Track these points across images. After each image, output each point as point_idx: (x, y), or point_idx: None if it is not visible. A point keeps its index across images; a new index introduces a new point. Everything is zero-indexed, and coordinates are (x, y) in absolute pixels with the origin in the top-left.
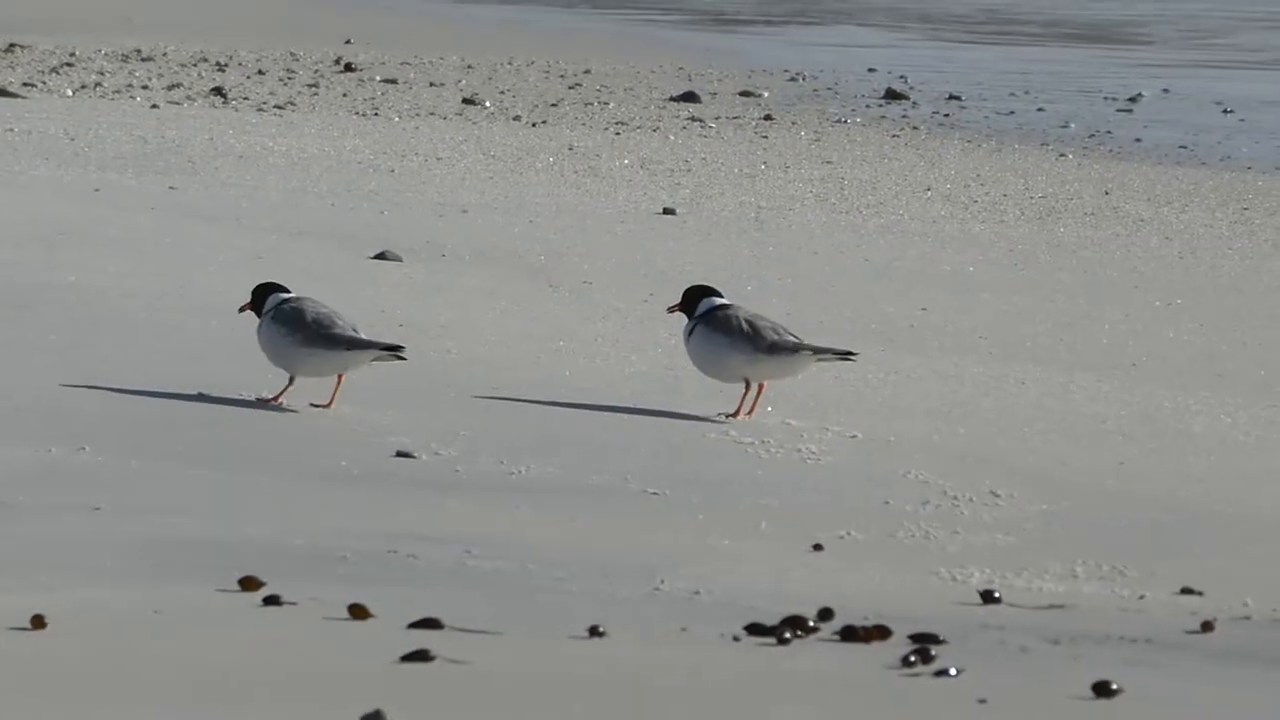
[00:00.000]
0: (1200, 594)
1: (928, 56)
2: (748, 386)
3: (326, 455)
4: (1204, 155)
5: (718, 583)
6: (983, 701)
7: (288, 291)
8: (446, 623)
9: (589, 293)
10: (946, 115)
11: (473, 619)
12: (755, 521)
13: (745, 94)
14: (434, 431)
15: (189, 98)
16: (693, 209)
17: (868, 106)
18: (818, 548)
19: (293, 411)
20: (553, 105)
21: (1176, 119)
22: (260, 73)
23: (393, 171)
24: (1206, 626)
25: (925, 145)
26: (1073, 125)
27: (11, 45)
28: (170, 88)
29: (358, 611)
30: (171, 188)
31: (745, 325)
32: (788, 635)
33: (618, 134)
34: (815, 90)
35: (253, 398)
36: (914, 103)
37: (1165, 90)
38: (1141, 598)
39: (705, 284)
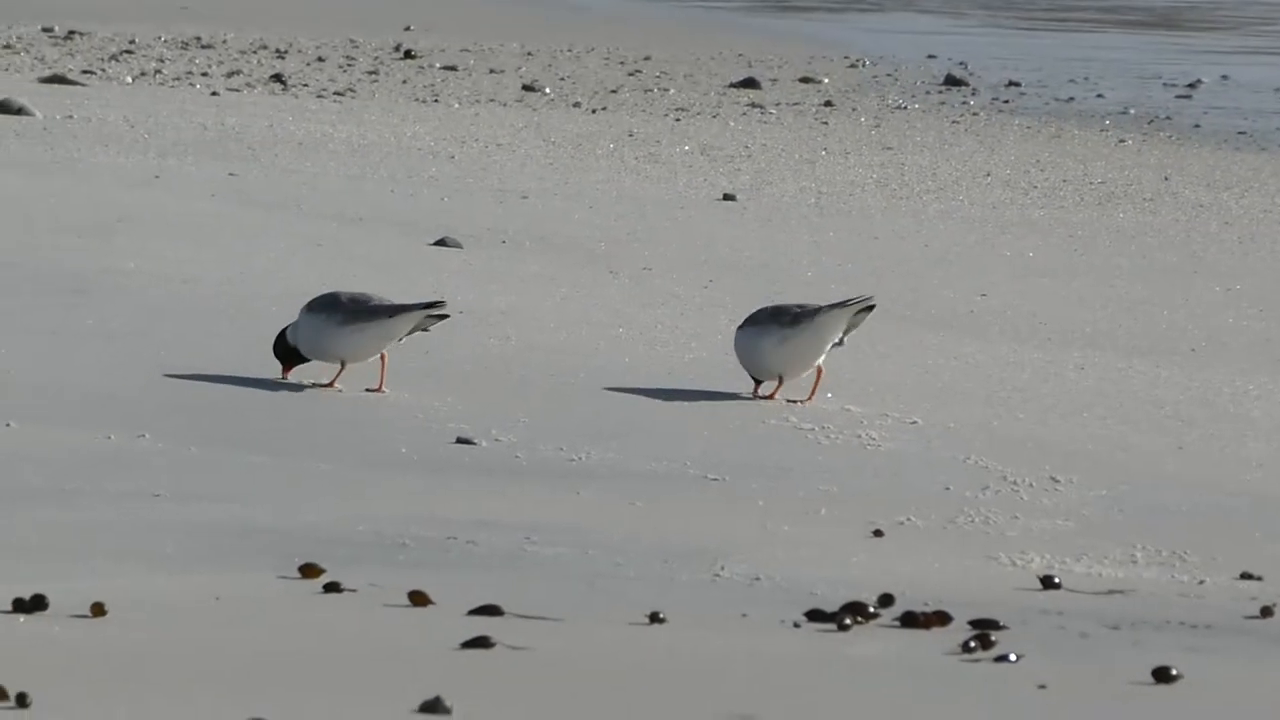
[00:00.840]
0: (1260, 579)
1: (987, 43)
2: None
3: (386, 442)
4: (1263, 141)
5: (778, 569)
6: (1042, 687)
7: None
8: (506, 609)
9: (649, 279)
10: (1006, 101)
11: (533, 605)
12: (815, 507)
13: (805, 80)
14: (494, 418)
15: (249, 85)
16: (753, 195)
17: (928, 93)
18: (878, 533)
19: (351, 398)
20: (612, 92)
21: (1235, 105)
22: (320, 60)
23: (453, 158)
24: (1266, 612)
25: (985, 131)
26: (1132, 111)
27: (71, 33)
28: (230, 75)
29: (418, 598)
30: (231, 174)
31: (770, 310)
32: (848, 621)
33: (678, 120)
34: (875, 76)
35: (309, 384)
36: (973, 89)
37: (1224, 76)
38: (1201, 583)
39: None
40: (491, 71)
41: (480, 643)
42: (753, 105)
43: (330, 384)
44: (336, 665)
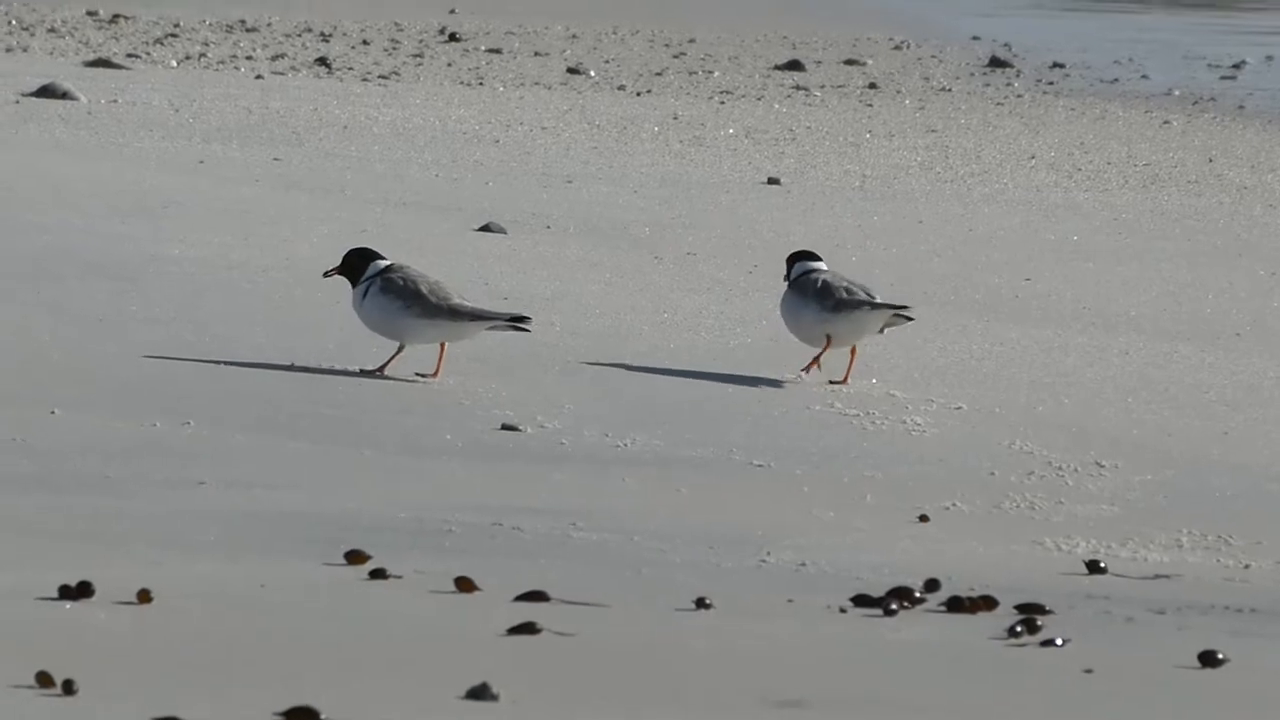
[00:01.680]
0: None
1: (1031, 24)
2: (828, 343)
3: (431, 428)
4: None
5: (824, 554)
6: (1089, 671)
7: (383, 258)
8: (553, 595)
9: (693, 264)
10: (1050, 83)
11: (579, 591)
12: (860, 493)
13: (850, 62)
14: (539, 404)
15: (293, 68)
16: (797, 179)
17: (972, 75)
18: (923, 519)
19: (397, 384)
20: (657, 74)
21: None
22: (364, 43)
23: (497, 142)
24: None
25: (1029, 113)
26: (1176, 92)
27: (115, 16)
28: (274, 58)
29: (464, 584)
30: (276, 159)
31: (819, 285)
32: (894, 606)
33: (722, 103)
34: (919, 58)
35: (356, 370)
36: (1018, 70)
37: (1269, 58)
38: (1247, 567)
39: (806, 249)
40: (536, 54)
41: (526, 629)
42: (797, 88)
43: (379, 371)
44: (383, 652)
